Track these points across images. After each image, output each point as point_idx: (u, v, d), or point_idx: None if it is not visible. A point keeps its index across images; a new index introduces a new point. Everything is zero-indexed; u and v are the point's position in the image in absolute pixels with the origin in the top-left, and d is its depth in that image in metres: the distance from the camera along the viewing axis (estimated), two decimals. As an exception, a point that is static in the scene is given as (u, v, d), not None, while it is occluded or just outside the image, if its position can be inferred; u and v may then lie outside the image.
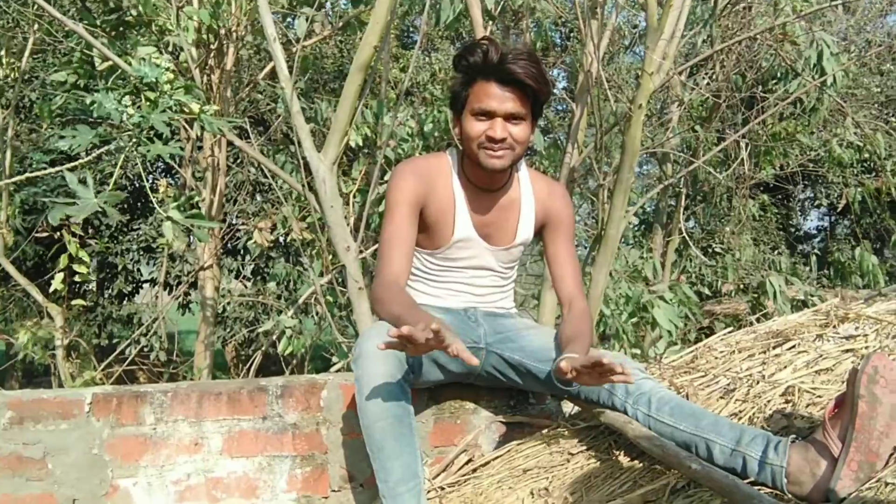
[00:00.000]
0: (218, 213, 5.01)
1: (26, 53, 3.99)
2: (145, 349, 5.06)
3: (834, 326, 2.01)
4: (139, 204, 9.79)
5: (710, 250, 7.68)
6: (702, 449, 1.56)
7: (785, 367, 1.86)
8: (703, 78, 6.21)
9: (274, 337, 4.01)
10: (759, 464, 1.47)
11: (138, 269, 9.76)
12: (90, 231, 8.55)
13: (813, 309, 2.23)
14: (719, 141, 6.30)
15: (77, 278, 3.27)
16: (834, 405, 1.44)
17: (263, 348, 4.56)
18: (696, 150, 6.41)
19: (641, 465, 1.70)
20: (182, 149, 4.68)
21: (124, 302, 9.78)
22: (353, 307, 2.96)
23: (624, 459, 1.75)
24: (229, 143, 4.74)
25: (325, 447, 1.94)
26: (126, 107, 1.84)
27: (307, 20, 3.59)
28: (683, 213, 7.05)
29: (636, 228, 8.24)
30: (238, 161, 7.24)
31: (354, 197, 4.22)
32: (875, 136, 5.60)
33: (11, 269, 3.90)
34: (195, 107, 1.96)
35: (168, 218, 2.00)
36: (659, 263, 6.32)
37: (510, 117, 1.77)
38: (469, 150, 1.83)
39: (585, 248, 6.56)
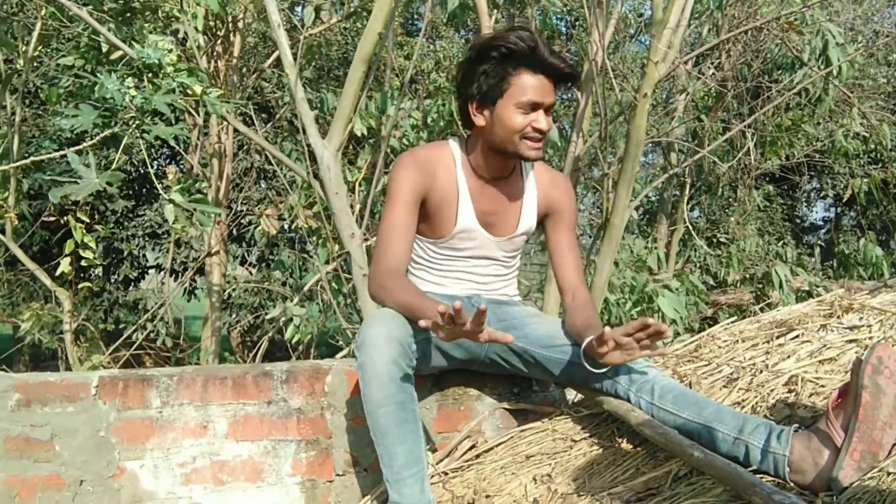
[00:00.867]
0: (224, 200, 5.02)
1: (33, 39, 3.99)
2: (152, 334, 5.09)
3: (838, 317, 2.01)
4: (144, 190, 9.82)
5: (714, 240, 7.67)
6: (704, 437, 1.57)
7: (788, 356, 1.87)
8: (709, 67, 6.18)
9: (281, 323, 4.03)
10: (762, 452, 1.47)
11: (144, 255, 9.80)
12: (96, 216, 8.58)
13: (817, 299, 2.24)
14: (724, 131, 6.28)
15: (83, 263, 3.29)
16: (837, 395, 1.45)
17: (269, 335, 4.58)
18: (701, 139, 6.40)
19: (644, 452, 1.71)
20: (188, 131, 4.69)
21: (130, 287, 9.82)
22: (358, 294, 2.97)
23: (627, 447, 1.76)
24: (235, 130, 4.75)
25: (329, 432, 1.95)
26: (129, 88, 1.84)
27: (314, 9, 3.58)
28: (688, 203, 7.05)
29: (641, 218, 8.24)
30: (244, 148, 7.25)
31: (360, 185, 4.23)
32: (881, 126, 5.58)
33: (20, 253, 3.92)
34: (198, 89, 1.96)
35: (170, 201, 2.01)
36: (663, 253, 6.33)
37: (548, 109, 1.80)
38: (507, 141, 1.81)
39: (590, 237, 6.56)
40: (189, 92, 2.07)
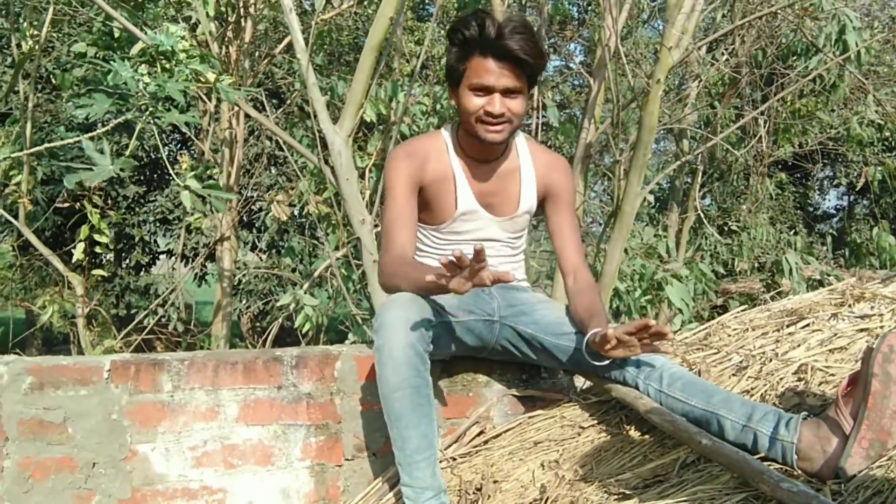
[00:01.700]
0: (235, 186, 5.04)
1: (45, 24, 4.00)
2: (163, 319, 5.13)
3: (849, 306, 2.00)
4: (155, 176, 9.86)
5: (725, 228, 7.63)
6: (713, 424, 1.57)
7: (798, 345, 1.86)
8: (723, 53, 6.12)
9: (291, 309, 4.04)
10: (770, 440, 1.47)
11: (155, 241, 9.86)
12: (108, 202, 8.62)
13: (828, 288, 2.22)
14: (738, 118, 6.23)
15: (97, 249, 3.31)
16: (847, 382, 1.45)
17: (279, 321, 4.61)
18: (714, 127, 6.35)
19: (652, 439, 1.71)
20: (199, 118, 4.70)
21: (141, 273, 9.89)
22: (368, 280, 2.99)
23: (635, 434, 1.76)
24: (246, 116, 4.75)
25: (338, 417, 1.97)
26: (142, 75, 1.85)
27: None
28: (700, 191, 7.00)
29: (652, 206, 8.20)
30: (254, 133, 7.26)
31: (370, 172, 4.23)
32: (897, 114, 5.52)
33: (33, 239, 3.95)
34: (211, 76, 1.96)
35: (186, 187, 2.02)
36: (674, 241, 6.30)
37: (507, 92, 1.79)
38: (467, 124, 1.85)
39: (601, 224, 6.54)
40: (202, 79, 2.08)
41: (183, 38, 1.91)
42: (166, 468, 1.86)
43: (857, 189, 9.16)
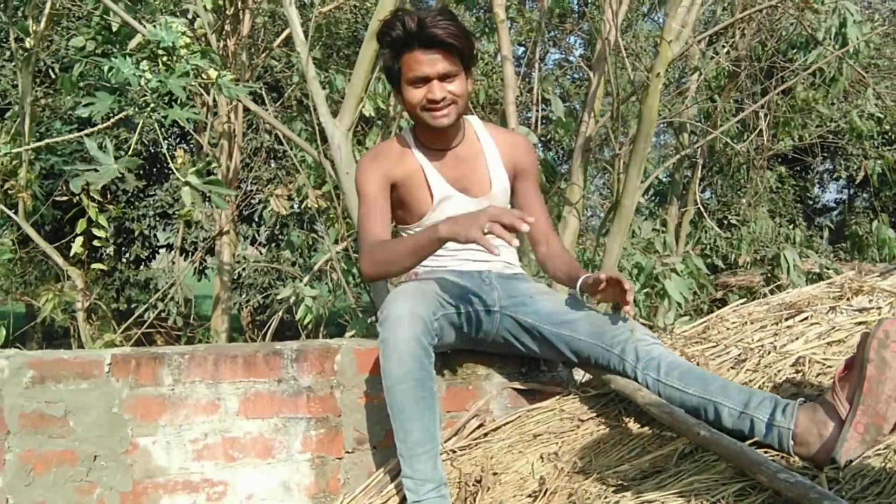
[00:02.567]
0: (234, 180, 5.03)
1: (44, 18, 3.99)
2: (163, 313, 5.13)
3: (848, 299, 2.01)
4: (154, 170, 9.85)
5: (725, 222, 7.64)
6: (710, 412, 1.58)
7: (797, 338, 1.87)
8: (723, 47, 6.11)
9: (291, 302, 4.05)
10: (767, 426, 1.49)
11: (154, 235, 9.86)
12: (108, 196, 8.62)
13: (827, 281, 2.23)
14: (738, 111, 6.22)
15: (96, 243, 3.31)
16: (844, 367, 1.46)
17: (279, 314, 4.61)
18: (714, 120, 6.34)
19: (650, 431, 1.72)
20: (200, 114, 4.70)
21: (141, 267, 9.89)
22: (368, 274, 2.98)
23: (633, 426, 1.77)
24: (245, 110, 4.74)
25: (338, 410, 1.97)
26: (143, 72, 1.85)
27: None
28: (700, 184, 7.00)
29: (651, 199, 8.20)
30: (253, 127, 7.24)
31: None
32: (897, 107, 5.52)
33: (33, 233, 3.95)
34: (213, 73, 1.96)
35: (186, 183, 2.02)
36: (673, 236, 6.30)
37: (444, 77, 1.85)
38: (415, 117, 1.92)
39: (600, 217, 6.54)
40: (203, 75, 2.08)
41: (184, 33, 1.91)
42: (167, 461, 1.87)
43: (856, 182, 9.16)
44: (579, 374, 2.11)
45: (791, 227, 8.19)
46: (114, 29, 3.66)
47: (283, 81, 7.03)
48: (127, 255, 9.70)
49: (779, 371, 1.73)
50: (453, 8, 8.14)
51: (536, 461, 1.76)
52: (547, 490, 1.62)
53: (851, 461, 1.36)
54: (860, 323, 1.86)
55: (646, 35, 7.46)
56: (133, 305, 8.78)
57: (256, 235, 9.47)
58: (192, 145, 8.61)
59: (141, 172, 9.57)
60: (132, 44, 3.26)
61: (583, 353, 1.84)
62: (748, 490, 1.36)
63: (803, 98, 6.24)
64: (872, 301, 1.96)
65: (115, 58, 1.93)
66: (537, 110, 4.60)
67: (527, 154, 2.07)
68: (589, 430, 1.82)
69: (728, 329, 2.08)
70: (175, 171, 2.21)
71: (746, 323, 2.06)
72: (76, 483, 1.80)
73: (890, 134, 7.68)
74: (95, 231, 3.71)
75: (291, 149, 4.98)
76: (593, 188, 8.43)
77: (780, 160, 8.94)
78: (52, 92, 7.07)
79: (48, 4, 4.17)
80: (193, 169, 2.01)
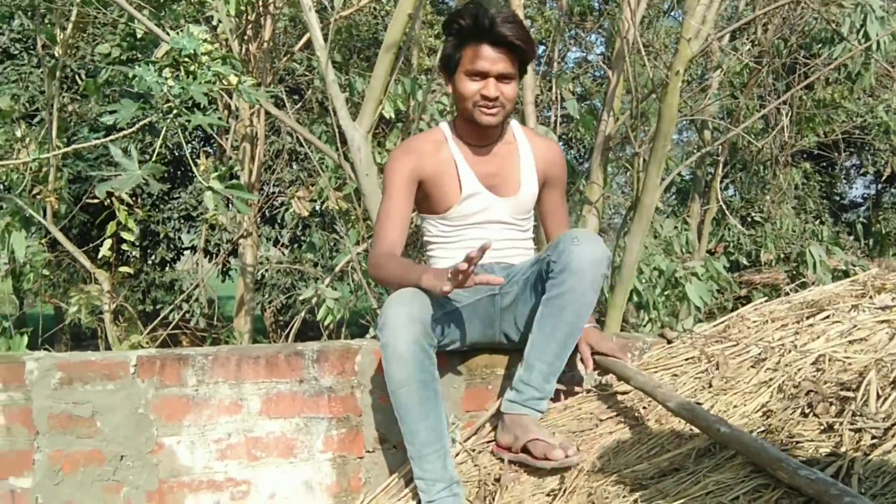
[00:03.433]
0: (256, 182, 5.09)
1: (70, 26, 4.07)
2: (187, 314, 5.20)
3: (870, 297, 1.99)
4: (179, 173, 9.97)
5: (749, 219, 7.56)
6: None
7: (818, 336, 1.86)
8: (745, 43, 6.05)
9: (313, 303, 4.09)
10: None
11: (179, 237, 9.99)
12: (135, 200, 8.74)
13: (850, 279, 2.21)
14: (761, 108, 6.16)
15: (124, 246, 3.37)
16: None
17: (302, 314, 4.66)
18: (736, 116, 6.29)
19: (669, 429, 1.72)
20: (223, 119, 4.76)
21: (166, 269, 10.03)
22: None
23: (653, 425, 1.77)
24: (267, 113, 4.79)
25: (359, 410, 2.00)
26: (166, 79, 1.89)
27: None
28: (722, 182, 6.94)
29: (674, 197, 8.14)
30: (275, 129, 7.31)
31: (389, 166, 4.24)
32: (924, 101, 5.43)
33: (61, 237, 4.03)
34: (233, 79, 2.00)
35: (209, 188, 2.06)
36: (696, 234, 6.26)
37: (501, 77, 1.88)
38: (463, 109, 1.93)
39: (622, 215, 6.51)
40: (225, 81, 2.11)
41: (205, 40, 1.94)
42: (191, 461, 1.90)
43: (883, 178, 9.01)
44: (598, 375, 2.11)
45: (818, 223, 8.09)
46: (138, 35, 3.72)
47: (304, 84, 7.09)
48: (153, 257, 9.84)
49: (799, 370, 1.72)
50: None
51: (555, 460, 1.77)
52: (566, 489, 1.63)
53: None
54: (883, 321, 1.84)
55: (667, 31, 7.41)
56: (159, 307, 8.90)
57: (279, 237, 9.55)
58: (214, 148, 8.70)
59: (165, 176, 9.70)
60: (159, 52, 3.31)
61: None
62: (762, 489, 1.35)
63: (820, 98, 6.17)
64: (895, 299, 1.94)
65: (139, 65, 1.96)
66: (556, 109, 4.59)
67: (560, 164, 2.10)
68: (608, 429, 1.83)
69: (749, 328, 2.06)
70: (197, 174, 2.25)
71: (767, 321, 2.05)
72: (103, 482, 1.84)
73: (918, 129, 7.54)
74: (124, 234, 3.77)
75: (312, 151, 5.03)
76: (615, 186, 8.39)
77: (805, 156, 8.83)
78: (78, 98, 7.19)
79: (74, 12, 4.25)
80: (216, 174, 2.04)
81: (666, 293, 4.00)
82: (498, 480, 1.76)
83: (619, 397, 1.94)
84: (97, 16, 4.67)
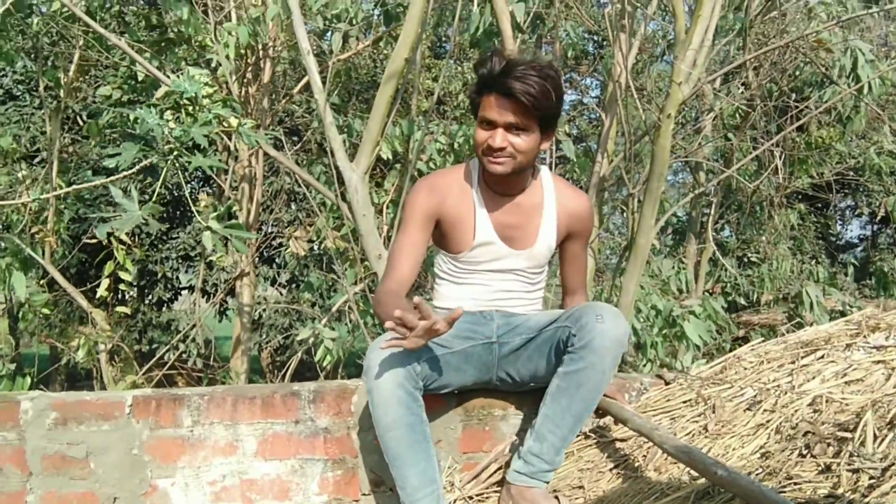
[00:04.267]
0: (255, 223, 5.12)
1: (72, 68, 4.13)
2: (184, 355, 5.18)
3: (864, 336, 2.00)
4: (178, 213, 10.02)
5: (745, 259, 7.59)
6: None
7: (814, 377, 1.86)
8: (737, 86, 6.15)
9: (311, 343, 4.08)
10: None
11: (177, 277, 9.98)
12: (133, 239, 8.76)
13: (844, 319, 2.22)
14: (754, 149, 6.23)
15: (122, 286, 3.37)
16: None
17: (298, 355, 4.64)
18: (729, 158, 6.36)
19: (669, 474, 1.71)
20: (222, 161, 4.81)
21: (164, 308, 10.00)
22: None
23: (653, 472, 1.76)
24: (266, 153, 4.84)
25: (355, 451, 1.98)
26: (167, 122, 1.92)
27: (342, 36, 3.67)
28: (717, 223, 6.98)
29: (671, 238, 8.18)
30: (273, 170, 7.37)
31: (387, 208, 4.29)
32: (915, 143, 5.50)
33: (59, 277, 4.04)
34: (234, 121, 2.03)
35: (207, 228, 2.07)
36: (692, 274, 6.27)
37: (510, 127, 1.82)
38: (477, 155, 1.91)
39: (617, 256, 6.53)
40: (225, 123, 2.15)
41: (206, 83, 1.98)
42: (185, 503, 1.88)
43: (878, 219, 9.08)
44: (595, 417, 2.10)
45: (814, 263, 8.12)
46: (139, 78, 3.78)
47: (303, 126, 7.17)
48: (150, 297, 9.82)
49: (795, 411, 1.72)
50: (471, 52, 8.29)
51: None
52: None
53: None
54: (878, 361, 1.85)
55: (660, 74, 7.54)
56: (155, 346, 8.85)
57: (277, 276, 9.56)
58: (214, 188, 8.76)
59: (164, 215, 9.75)
60: (159, 93, 3.36)
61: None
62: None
63: (819, 136, 6.25)
64: (889, 338, 1.95)
65: (141, 107, 2.00)
66: (553, 150, 4.65)
67: (586, 219, 2.02)
68: (610, 478, 1.81)
69: (745, 369, 2.07)
70: (196, 214, 2.27)
71: (763, 362, 2.05)
72: (96, 525, 1.82)
73: (910, 170, 7.62)
74: (121, 274, 3.78)
75: (310, 192, 5.07)
76: (613, 226, 8.43)
77: (799, 197, 8.90)
78: (79, 139, 7.26)
79: (77, 55, 4.32)
80: (215, 214, 2.06)
81: (664, 332, 4.00)
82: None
83: (618, 444, 1.93)
84: (99, 59, 4.75)
